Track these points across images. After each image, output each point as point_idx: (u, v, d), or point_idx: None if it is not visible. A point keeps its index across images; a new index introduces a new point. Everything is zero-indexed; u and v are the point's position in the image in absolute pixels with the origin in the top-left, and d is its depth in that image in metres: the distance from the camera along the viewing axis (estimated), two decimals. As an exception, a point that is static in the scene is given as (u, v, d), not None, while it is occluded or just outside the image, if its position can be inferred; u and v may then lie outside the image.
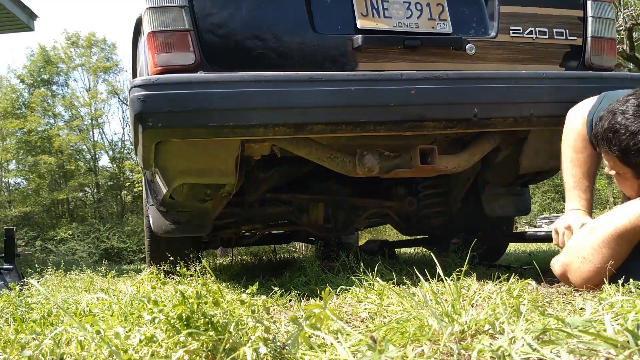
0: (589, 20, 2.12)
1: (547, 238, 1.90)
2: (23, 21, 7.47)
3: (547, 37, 2.08)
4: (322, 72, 1.83)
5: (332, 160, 2.05)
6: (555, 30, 2.09)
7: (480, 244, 3.00)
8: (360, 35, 1.89)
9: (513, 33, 2.04)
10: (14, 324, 1.39)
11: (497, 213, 2.66)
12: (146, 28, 1.82)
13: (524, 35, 2.05)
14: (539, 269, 1.88)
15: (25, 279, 2.77)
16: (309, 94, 1.75)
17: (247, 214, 3.05)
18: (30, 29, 7.71)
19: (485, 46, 2.02)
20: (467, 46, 1.98)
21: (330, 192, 3.11)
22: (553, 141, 2.18)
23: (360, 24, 1.92)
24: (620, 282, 1.28)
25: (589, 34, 2.11)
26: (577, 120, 1.75)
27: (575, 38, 2.11)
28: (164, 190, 2.20)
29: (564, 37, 2.10)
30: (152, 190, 2.54)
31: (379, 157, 2.01)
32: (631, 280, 1.31)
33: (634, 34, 12.19)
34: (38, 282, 3.13)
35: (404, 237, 3.90)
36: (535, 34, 2.06)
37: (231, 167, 1.98)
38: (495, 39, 2.03)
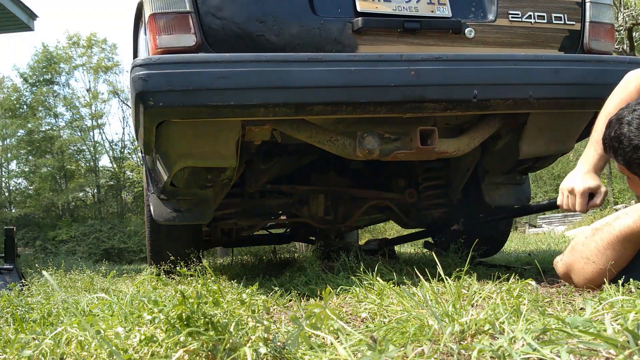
0: (587, 5, 2.13)
1: (552, 205, 1.91)
2: (23, 21, 7.48)
3: (545, 21, 2.09)
4: (322, 53, 1.84)
5: (333, 143, 2.06)
6: (554, 15, 2.10)
7: (481, 244, 3.00)
8: (360, 18, 1.90)
9: (512, 17, 2.05)
10: (14, 324, 1.39)
11: (497, 202, 2.67)
12: (147, 10, 1.82)
13: (523, 19, 2.06)
14: (539, 269, 1.88)
15: (25, 279, 2.77)
16: (309, 73, 1.75)
17: (247, 205, 3.05)
18: (30, 28, 7.72)
19: (484, 30, 2.03)
20: (466, 30, 1.99)
21: (331, 184, 3.11)
22: (552, 126, 2.19)
23: (360, 6, 1.93)
24: (620, 282, 1.27)
25: (588, 18, 2.12)
26: (634, 82, 1.69)
27: (574, 23, 2.12)
28: (165, 177, 2.20)
29: (562, 22, 2.11)
30: (152, 178, 2.54)
31: (379, 139, 2.02)
32: (631, 280, 1.31)
33: (634, 34, 12.20)
34: (38, 282, 3.13)
35: (404, 234, 3.90)
36: (534, 18, 2.07)
37: (232, 150, 1.99)
38: (494, 23, 2.04)
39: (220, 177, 2.19)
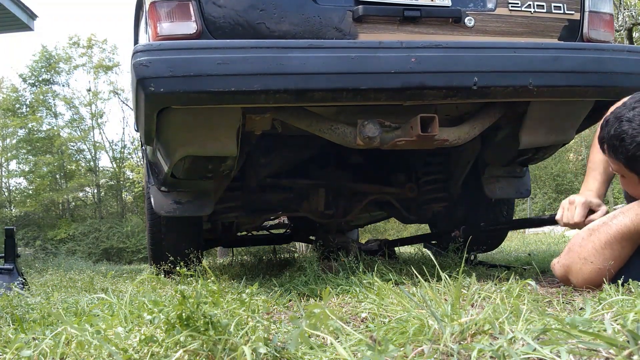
0: None
1: (552, 220, 1.90)
2: (23, 21, 7.48)
3: (545, 11, 2.09)
4: (322, 40, 1.85)
5: (333, 132, 2.06)
6: (553, 4, 2.11)
7: (480, 243, 3.00)
8: (360, 6, 1.91)
9: (511, 6, 2.06)
10: (13, 324, 1.39)
11: (498, 195, 2.67)
12: None
13: (522, 8, 2.07)
14: (538, 269, 1.88)
15: (25, 280, 2.77)
16: (309, 60, 1.75)
17: (247, 199, 3.06)
18: (30, 28, 7.72)
19: (484, 19, 2.04)
20: (466, 19, 2.00)
21: (331, 178, 3.12)
22: (552, 115, 2.19)
23: None
24: (620, 282, 1.27)
25: (587, 8, 2.13)
26: None
27: (573, 12, 2.13)
28: (166, 168, 2.21)
29: (561, 12, 2.11)
30: (153, 170, 2.55)
31: (380, 127, 2.02)
32: (630, 280, 1.31)
33: (634, 34, 12.21)
34: (38, 282, 3.13)
35: (404, 235, 3.91)
36: (534, 7, 2.08)
37: (232, 138, 1.99)
38: (494, 12, 2.05)
39: (221, 167, 2.19)
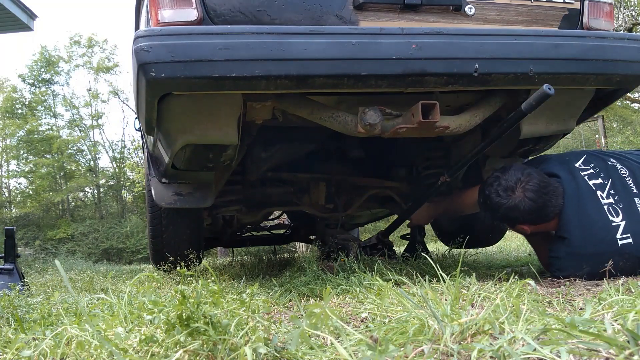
0: None
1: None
2: (23, 21, 7.49)
3: None
4: (323, 26, 1.85)
5: (334, 120, 2.06)
6: None
7: (482, 232, 2.99)
8: None
9: None
10: (14, 324, 1.39)
11: None
12: None
13: None
14: (538, 269, 1.88)
15: (25, 279, 2.77)
16: (310, 45, 1.74)
17: (248, 193, 3.06)
18: (30, 28, 7.73)
19: (484, 7, 2.04)
20: (467, 7, 2.00)
21: (332, 172, 3.12)
22: (553, 104, 2.19)
23: None
24: (620, 282, 1.28)
25: None
26: None
27: (573, 1, 2.12)
28: (167, 159, 2.21)
29: (562, 0, 2.11)
30: (154, 162, 2.55)
31: (381, 114, 2.01)
32: (629, 280, 1.31)
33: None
34: (38, 282, 3.13)
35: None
36: None
37: (233, 126, 2.00)
38: (494, 1, 2.05)
39: (222, 157, 2.19)
